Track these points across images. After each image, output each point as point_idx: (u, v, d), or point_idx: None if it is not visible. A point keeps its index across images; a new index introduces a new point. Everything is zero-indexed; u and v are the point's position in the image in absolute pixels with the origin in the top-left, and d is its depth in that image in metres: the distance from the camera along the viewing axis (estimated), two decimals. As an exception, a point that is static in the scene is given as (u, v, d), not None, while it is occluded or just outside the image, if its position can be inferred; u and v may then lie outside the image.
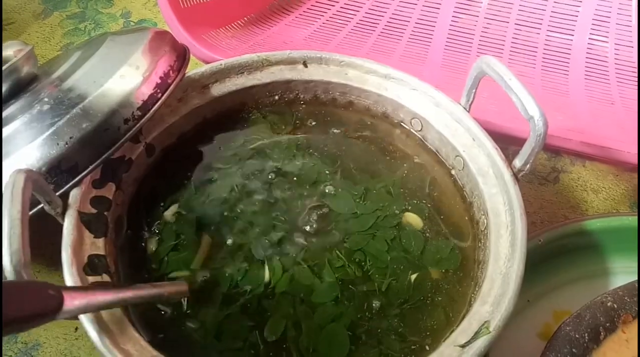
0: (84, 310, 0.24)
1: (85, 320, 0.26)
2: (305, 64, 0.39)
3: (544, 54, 0.55)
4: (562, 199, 0.45)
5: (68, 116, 0.30)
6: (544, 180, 0.46)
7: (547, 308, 0.38)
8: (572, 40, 0.56)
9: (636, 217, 0.40)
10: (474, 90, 0.34)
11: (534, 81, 0.53)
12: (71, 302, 0.23)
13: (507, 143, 0.39)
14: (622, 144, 0.46)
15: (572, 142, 0.46)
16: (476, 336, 0.26)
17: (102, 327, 0.25)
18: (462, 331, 0.26)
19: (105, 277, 0.29)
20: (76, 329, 0.38)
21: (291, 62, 0.39)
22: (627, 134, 0.47)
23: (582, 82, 0.53)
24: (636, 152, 0.46)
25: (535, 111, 0.29)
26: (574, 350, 0.30)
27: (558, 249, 0.39)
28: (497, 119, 0.41)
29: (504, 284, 0.28)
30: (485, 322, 0.26)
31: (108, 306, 0.25)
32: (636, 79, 0.54)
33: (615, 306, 0.31)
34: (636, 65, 0.55)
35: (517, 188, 0.31)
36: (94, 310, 0.25)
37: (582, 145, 0.46)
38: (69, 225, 0.29)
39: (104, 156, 0.31)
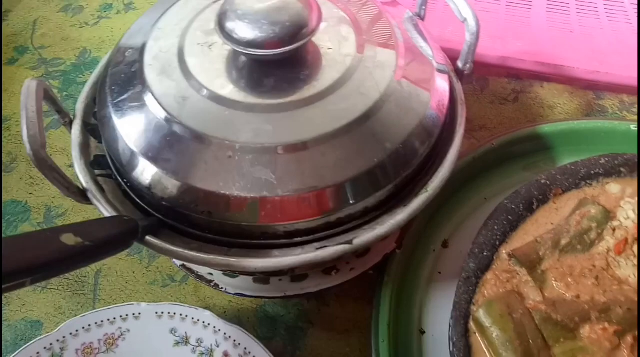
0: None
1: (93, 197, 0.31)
2: None
3: (509, -10, 0.59)
4: (520, 116, 0.49)
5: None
6: (504, 100, 0.50)
7: (502, 204, 0.43)
8: (535, -24, 0.60)
9: (584, 121, 0.44)
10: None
11: (498, 16, 0.57)
12: (142, 223, 0.29)
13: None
14: (575, 62, 0.51)
15: (528, 62, 0.51)
16: (417, 196, 0.31)
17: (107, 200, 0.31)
18: (406, 197, 0.31)
19: (109, 172, 0.34)
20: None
21: None
22: (582, 54, 0.51)
23: (544, 14, 0.57)
24: (587, 68, 0.50)
25: (468, 13, 0.33)
26: (509, 217, 0.34)
27: (511, 152, 0.44)
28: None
29: (443, 162, 0.32)
30: (426, 185, 0.31)
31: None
32: (596, 9, 0.58)
33: (548, 183, 0.36)
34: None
35: (460, 85, 0.36)
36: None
37: (538, 64, 0.51)
38: (76, 131, 0.34)
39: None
